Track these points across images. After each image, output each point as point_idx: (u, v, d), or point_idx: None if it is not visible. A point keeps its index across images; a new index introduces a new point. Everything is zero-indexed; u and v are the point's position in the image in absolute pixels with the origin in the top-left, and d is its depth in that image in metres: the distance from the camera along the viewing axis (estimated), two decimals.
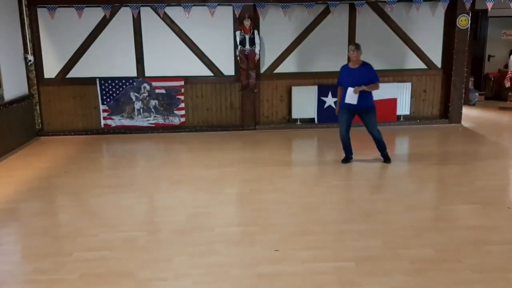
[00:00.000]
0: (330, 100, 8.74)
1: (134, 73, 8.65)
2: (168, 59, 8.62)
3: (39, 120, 8.63)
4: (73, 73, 8.59)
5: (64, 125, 8.75)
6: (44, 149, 7.71)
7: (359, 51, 6.15)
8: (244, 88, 8.62)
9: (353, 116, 6.31)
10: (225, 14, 8.49)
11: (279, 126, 8.82)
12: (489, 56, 12.05)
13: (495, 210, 4.79)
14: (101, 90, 8.55)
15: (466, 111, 9.63)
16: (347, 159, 6.53)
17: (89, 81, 8.56)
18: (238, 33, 8.32)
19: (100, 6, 8.22)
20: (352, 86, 6.08)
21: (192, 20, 8.47)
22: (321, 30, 8.71)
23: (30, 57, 8.26)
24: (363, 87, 6.06)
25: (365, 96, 6.14)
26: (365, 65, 6.22)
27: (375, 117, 6.28)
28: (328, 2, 8.35)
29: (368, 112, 6.22)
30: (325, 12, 8.60)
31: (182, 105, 8.73)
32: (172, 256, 3.94)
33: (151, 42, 8.55)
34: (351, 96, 6.09)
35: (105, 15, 8.29)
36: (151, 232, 4.45)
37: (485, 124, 9.06)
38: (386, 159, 6.50)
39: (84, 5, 8.18)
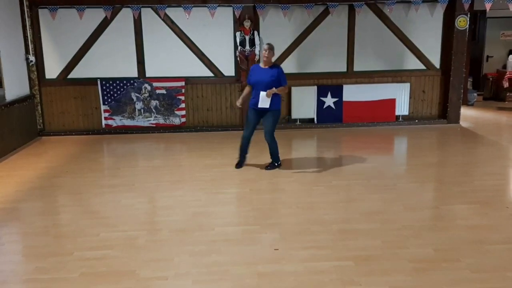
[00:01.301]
0: (329, 100, 8.78)
1: (135, 74, 8.68)
2: (169, 60, 8.65)
3: (41, 120, 8.66)
4: (74, 74, 8.63)
5: (65, 125, 8.78)
6: (46, 149, 7.74)
7: (271, 51, 6.04)
8: (244, 88, 8.64)
9: (260, 118, 6.17)
10: (225, 15, 8.52)
11: (279, 126, 8.75)
12: (488, 56, 12.08)
13: (494, 210, 4.82)
14: (102, 90, 8.58)
15: (465, 111, 9.66)
16: (241, 163, 6.41)
17: (90, 82, 8.60)
18: (238, 34, 8.35)
19: (101, 7, 8.26)
20: (261, 85, 5.97)
21: (192, 21, 8.51)
22: (321, 31, 8.75)
23: (32, 58, 8.29)
24: (274, 90, 5.93)
25: (273, 99, 6.01)
26: (276, 67, 6.08)
27: (274, 120, 6.10)
28: (328, 3, 8.38)
29: (269, 114, 6.07)
30: (325, 13, 8.63)
31: (183, 105, 8.76)
32: (172, 255, 3.96)
33: (151, 43, 8.59)
34: (264, 100, 6.00)
35: (106, 16, 8.32)
36: (152, 231, 4.48)
37: (483, 124, 9.09)
38: (270, 166, 6.32)
39: (85, 6, 8.22)
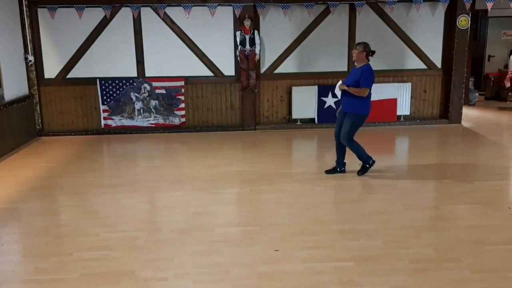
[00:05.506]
0: (330, 100, 8.75)
1: (134, 73, 8.67)
2: (169, 59, 8.64)
3: (40, 120, 8.65)
4: (73, 73, 8.61)
5: (64, 125, 8.77)
6: (45, 149, 7.73)
7: (354, 50, 5.72)
8: (244, 88, 8.63)
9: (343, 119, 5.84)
10: (225, 14, 8.50)
11: (279, 126, 8.83)
12: (489, 56, 12.06)
13: (494, 210, 4.80)
14: (102, 90, 8.57)
15: (466, 111, 9.64)
16: (333, 169, 6.08)
17: (90, 81, 8.58)
18: (238, 33, 8.34)
19: (100, 7, 8.24)
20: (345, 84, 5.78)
21: (192, 21, 8.49)
22: (321, 30, 8.73)
23: (31, 57, 8.28)
24: (345, 87, 5.67)
25: (352, 101, 5.68)
26: (363, 67, 5.71)
27: (350, 125, 5.72)
28: (328, 2, 8.36)
29: (347, 117, 5.75)
30: (325, 13, 8.61)
31: (183, 105, 8.74)
32: (172, 255, 3.95)
33: (151, 42, 8.57)
34: (337, 89, 5.84)
35: (105, 15, 8.30)
36: (152, 231, 4.46)
37: (485, 124, 9.07)
38: (361, 170, 5.98)
39: (85, 6, 8.20)
